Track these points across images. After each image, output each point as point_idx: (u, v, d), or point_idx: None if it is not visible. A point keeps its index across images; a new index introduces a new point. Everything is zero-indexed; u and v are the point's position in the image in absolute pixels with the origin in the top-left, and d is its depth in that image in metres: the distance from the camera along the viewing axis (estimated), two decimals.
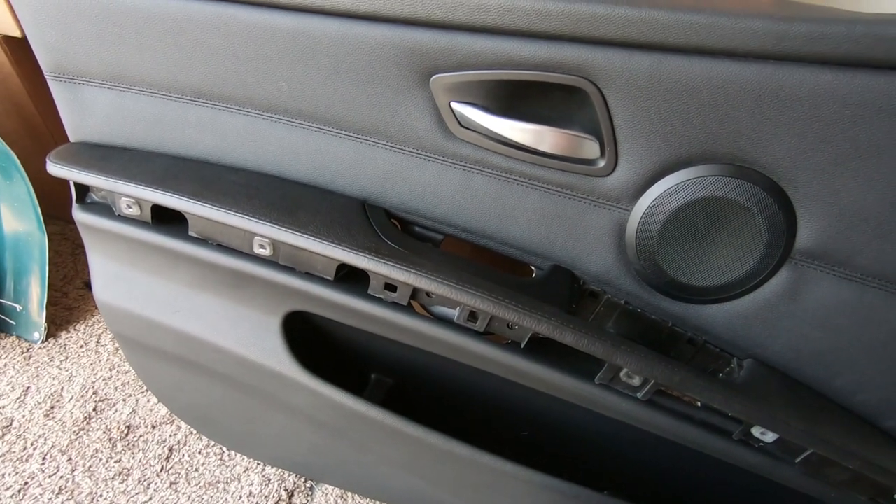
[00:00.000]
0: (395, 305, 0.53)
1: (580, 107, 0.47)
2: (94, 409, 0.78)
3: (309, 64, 0.51)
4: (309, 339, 0.63)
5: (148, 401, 0.80)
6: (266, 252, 0.54)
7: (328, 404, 0.61)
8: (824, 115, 0.41)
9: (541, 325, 0.49)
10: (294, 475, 0.73)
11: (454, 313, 0.53)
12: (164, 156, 0.60)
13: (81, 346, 0.87)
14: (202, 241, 0.57)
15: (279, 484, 0.72)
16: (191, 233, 0.57)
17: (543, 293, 0.52)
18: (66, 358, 0.85)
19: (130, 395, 0.81)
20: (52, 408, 0.78)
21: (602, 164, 0.48)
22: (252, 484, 0.71)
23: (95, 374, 0.83)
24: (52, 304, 0.87)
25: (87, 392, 0.81)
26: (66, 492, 0.69)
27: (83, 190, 0.60)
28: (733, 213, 0.47)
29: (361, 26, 0.48)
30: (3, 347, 0.85)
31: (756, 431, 0.51)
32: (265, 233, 0.52)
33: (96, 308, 0.94)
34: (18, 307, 0.85)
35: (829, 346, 0.50)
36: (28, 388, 0.80)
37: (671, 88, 0.43)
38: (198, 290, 0.61)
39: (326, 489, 0.72)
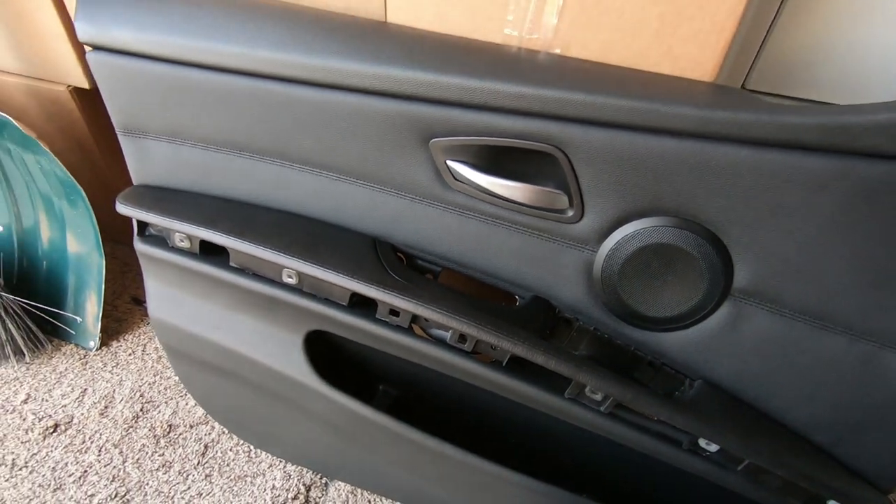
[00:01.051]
0: (398, 328, 0.64)
1: (552, 167, 0.57)
2: (140, 410, 0.90)
3: (330, 128, 0.62)
4: (326, 354, 0.73)
5: (186, 403, 0.92)
6: (292, 281, 0.66)
7: (342, 410, 0.71)
8: (744, 183, 0.50)
9: (517, 347, 0.59)
10: (311, 472, 0.83)
11: (447, 335, 0.63)
12: (211, 197, 0.72)
13: (130, 354, 1.00)
14: (240, 271, 0.68)
15: (298, 479, 0.82)
16: (231, 264, 0.68)
17: (523, 319, 0.62)
18: (117, 364, 0.98)
19: (172, 399, 0.93)
20: (106, 407, 0.90)
21: (571, 213, 0.58)
22: (275, 478, 0.82)
23: (142, 379, 0.95)
24: (104, 316, 1.00)
25: (135, 394, 0.93)
26: (119, 480, 0.81)
27: (143, 225, 0.72)
28: (680, 257, 0.56)
29: (374, 100, 0.59)
30: (64, 354, 0.98)
31: (702, 442, 0.60)
32: (292, 266, 0.63)
33: (142, 321, 1.07)
34: (78, 319, 0.98)
35: (765, 370, 0.59)
36: (85, 390, 0.93)
37: (622, 157, 0.53)
38: (235, 311, 0.72)
39: (339, 485, 0.82)
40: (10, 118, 0.82)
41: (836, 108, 0.48)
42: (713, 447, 0.60)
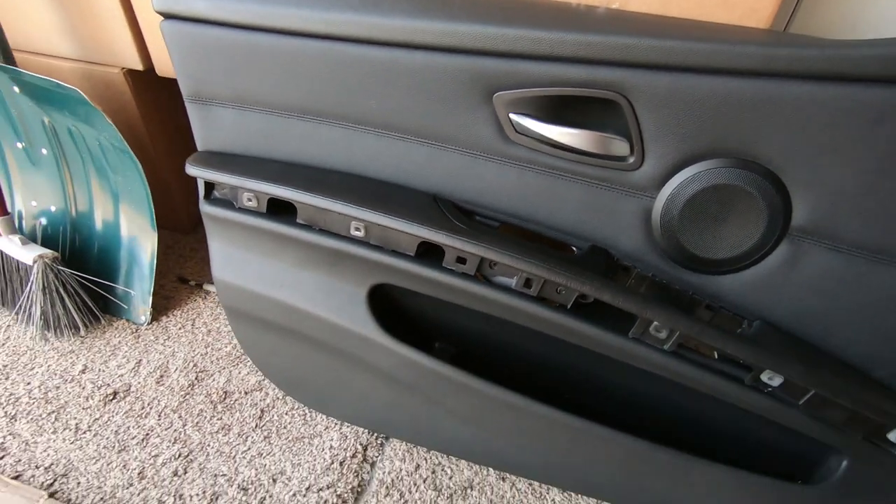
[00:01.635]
0: (464, 276, 0.66)
1: (614, 115, 0.59)
2: (195, 378, 0.93)
3: (396, 86, 0.65)
4: (387, 310, 0.76)
5: (239, 372, 0.94)
6: (360, 234, 0.68)
7: (404, 362, 0.74)
8: (805, 119, 0.53)
9: (584, 286, 0.61)
10: (367, 432, 0.85)
11: (512, 282, 0.65)
12: (275, 161, 0.75)
13: (180, 328, 1.02)
14: (307, 227, 0.71)
15: (355, 439, 0.84)
16: (299, 220, 0.71)
17: (583, 266, 0.64)
18: (169, 337, 1.00)
19: (224, 368, 0.95)
20: (162, 376, 0.93)
21: (632, 160, 0.61)
22: (332, 439, 0.84)
23: (194, 350, 0.98)
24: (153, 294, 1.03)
25: (188, 364, 0.95)
26: (180, 442, 0.83)
27: (210, 188, 0.75)
28: (739, 197, 0.58)
29: (441, 56, 0.62)
30: (117, 329, 1.01)
31: (764, 377, 0.62)
32: (361, 216, 0.66)
33: (189, 297, 1.09)
34: (133, 292, 1.01)
35: (824, 308, 0.61)
36: (140, 360, 0.95)
37: (686, 100, 0.55)
38: (300, 268, 0.75)
39: (395, 444, 0.84)
40: (79, 90, 0.85)
41: (888, 40, 0.50)
42: (776, 381, 0.62)
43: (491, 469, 0.81)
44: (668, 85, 0.56)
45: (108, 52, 0.97)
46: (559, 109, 0.62)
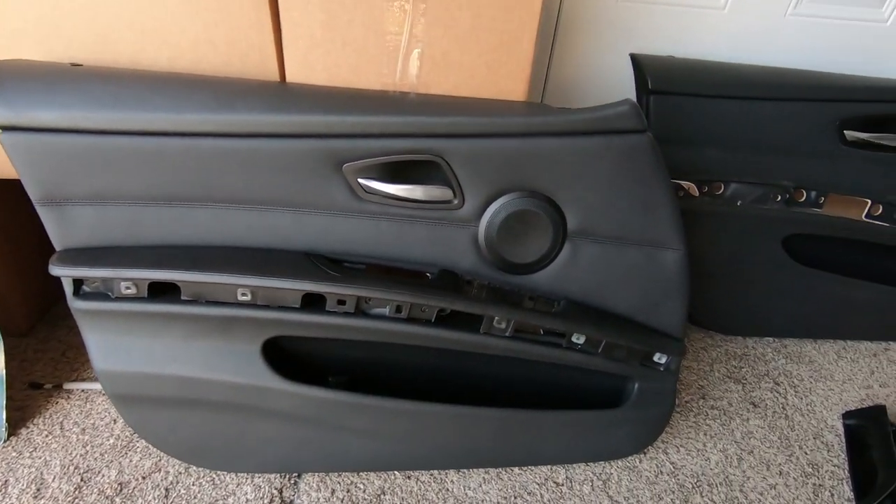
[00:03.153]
0: (346, 314, 0.80)
1: (437, 171, 0.80)
2: (81, 480, 0.89)
3: (257, 169, 0.77)
4: (280, 358, 0.85)
5: (130, 460, 0.93)
6: (247, 297, 0.78)
7: (305, 400, 0.84)
8: (559, 161, 0.79)
9: (442, 302, 0.80)
10: (280, 476, 0.92)
11: (385, 311, 0.81)
12: (145, 247, 0.80)
13: (47, 436, 0.96)
14: (192, 302, 0.78)
15: (269, 486, 0.90)
16: (183, 297, 0.77)
17: (439, 286, 0.83)
18: (35, 448, 0.93)
19: (112, 460, 0.92)
20: (38, 489, 0.87)
21: (456, 202, 0.82)
22: (246, 493, 0.89)
23: (70, 453, 0.93)
24: None
25: (68, 469, 0.90)
26: None
27: (79, 284, 0.77)
28: (532, 217, 0.83)
29: (294, 142, 0.76)
30: None
31: (574, 338, 0.87)
32: (247, 282, 0.76)
33: (47, 402, 1.02)
34: None
35: (599, 282, 0.88)
36: (6, 481, 0.88)
37: (483, 156, 0.78)
38: (190, 340, 0.81)
39: (308, 479, 0.92)
40: None
41: (597, 107, 0.79)
42: (582, 339, 0.87)
43: (397, 472, 0.95)
44: (469, 147, 0.78)
45: None
46: (396, 171, 0.80)
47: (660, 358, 0.92)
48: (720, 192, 1.22)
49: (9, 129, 0.71)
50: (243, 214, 0.81)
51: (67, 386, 1.06)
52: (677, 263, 0.88)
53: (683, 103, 1.17)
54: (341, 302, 0.80)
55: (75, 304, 0.78)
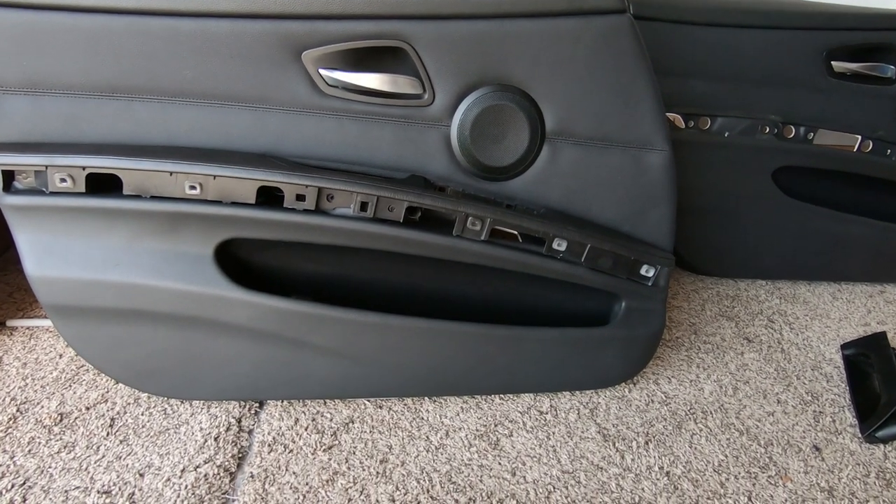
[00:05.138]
0: (305, 211, 0.73)
1: (404, 60, 0.74)
2: (17, 411, 0.81)
3: (208, 55, 0.71)
4: (235, 269, 0.78)
5: (74, 392, 0.85)
6: (196, 191, 0.71)
7: (263, 311, 0.77)
8: (534, 47, 0.74)
9: (410, 196, 0.73)
10: (239, 405, 0.84)
11: (349, 210, 0.74)
12: (84, 143, 0.73)
13: None
14: (136, 197, 0.71)
15: (226, 415, 0.82)
16: (126, 192, 0.70)
17: (408, 184, 0.77)
18: None
19: (54, 392, 0.84)
20: None
21: (426, 97, 0.76)
22: (201, 422, 0.81)
23: (7, 386, 0.85)
24: None
25: (3, 400, 0.82)
26: (11, 473, 0.72)
27: (10, 177, 0.70)
28: (507, 113, 0.77)
29: (248, 23, 0.70)
30: None
31: (555, 245, 0.81)
32: (196, 170, 0.69)
33: None
34: None
35: (580, 188, 0.83)
36: None
37: (452, 41, 0.73)
38: (135, 242, 0.74)
39: (270, 408, 0.85)
40: None
41: None
42: (563, 245, 0.81)
43: (367, 402, 0.87)
44: (437, 30, 0.72)
45: None
46: (360, 60, 0.74)
47: (647, 271, 0.86)
48: (707, 126, 1.18)
49: None
50: (193, 110, 0.74)
51: (11, 323, 0.97)
52: (663, 166, 0.82)
53: (666, 30, 1.12)
54: (300, 197, 0.73)
55: (5, 200, 0.70)
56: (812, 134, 1.21)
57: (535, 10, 0.73)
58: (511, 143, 0.79)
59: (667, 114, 1.15)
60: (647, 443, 0.85)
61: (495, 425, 0.86)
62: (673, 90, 1.13)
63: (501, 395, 0.91)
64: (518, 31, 0.73)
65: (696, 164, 1.18)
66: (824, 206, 1.23)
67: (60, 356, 0.92)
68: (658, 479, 0.79)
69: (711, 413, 0.91)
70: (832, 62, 1.17)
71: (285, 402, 0.86)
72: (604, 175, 0.83)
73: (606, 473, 0.79)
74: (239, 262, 0.80)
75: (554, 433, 0.85)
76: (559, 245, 0.81)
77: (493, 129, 0.78)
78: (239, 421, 0.82)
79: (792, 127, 1.19)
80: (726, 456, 0.84)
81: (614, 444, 0.84)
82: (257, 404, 0.85)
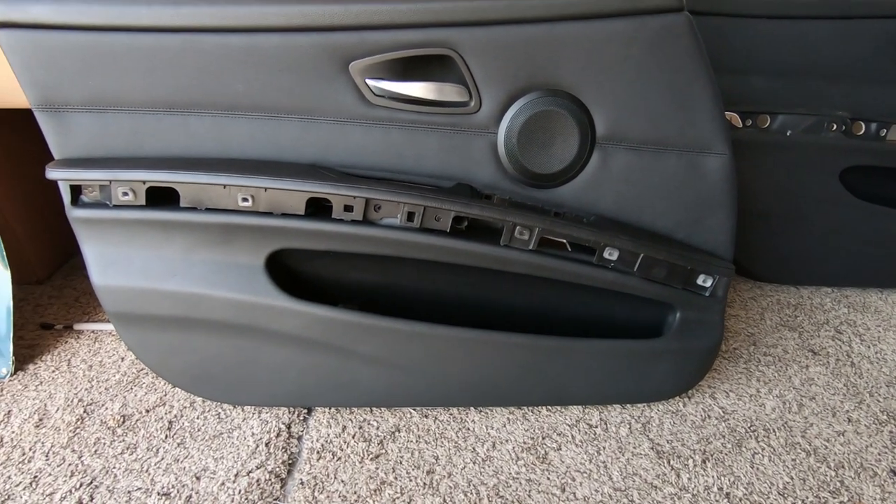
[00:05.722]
0: (353, 222, 0.74)
1: (451, 68, 0.73)
2: (84, 412, 0.85)
3: (259, 68, 0.72)
4: (286, 278, 0.80)
5: (135, 395, 0.88)
6: (248, 203, 0.73)
7: (312, 320, 0.78)
8: (584, 50, 0.71)
9: (456, 206, 0.72)
10: (288, 411, 0.86)
11: (396, 220, 0.74)
12: (143, 158, 0.76)
13: (54, 371, 0.93)
14: (192, 209, 0.73)
15: (276, 421, 0.84)
16: (183, 204, 0.73)
17: (454, 193, 0.76)
18: (41, 382, 0.90)
19: (117, 395, 0.88)
20: (41, 419, 0.84)
21: (472, 104, 0.75)
22: (252, 427, 0.83)
23: (75, 387, 0.90)
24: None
25: (72, 401, 0.87)
26: (79, 473, 0.76)
27: (77, 192, 0.74)
28: (556, 119, 0.75)
29: (295, 36, 0.71)
30: None
31: (606, 254, 0.78)
32: (248, 183, 0.71)
33: (57, 342, 1.00)
34: None
35: (633, 194, 0.80)
36: (9, 411, 0.85)
37: (500, 47, 0.71)
38: (190, 253, 0.76)
39: (318, 415, 0.86)
40: None
41: None
42: (615, 255, 0.78)
43: (413, 411, 0.87)
44: (484, 36, 0.71)
45: None
46: (407, 69, 0.74)
47: (704, 280, 0.82)
48: (767, 124, 1.11)
49: (4, 25, 0.69)
50: (245, 122, 0.76)
51: (78, 326, 1.03)
52: (723, 170, 0.78)
53: (722, 25, 1.07)
54: (348, 208, 0.73)
55: (73, 213, 0.74)
56: (885, 130, 1.12)
57: (586, 13, 0.70)
58: (560, 150, 0.77)
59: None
60: (704, 461, 0.81)
61: (543, 438, 0.84)
62: (729, 87, 1.07)
63: (549, 407, 0.89)
64: (568, 35, 0.71)
65: (754, 165, 1.11)
66: None
67: (122, 359, 0.96)
68: (717, 501, 0.75)
69: (774, 431, 0.86)
70: None
71: (333, 409, 0.87)
72: (658, 181, 0.79)
73: (661, 493, 0.76)
74: (289, 272, 0.81)
75: (604, 448, 0.83)
76: (610, 254, 0.78)
77: (541, 135, 0.76)
78: (289, 427, 0.84)
79: (862, 123, 1.11)
80: (792, 478, 0.79)
81: (669, 462, 0.81)
82: (306, 411, 0.87)
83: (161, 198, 0.74)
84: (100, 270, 0.76)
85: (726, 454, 0.82)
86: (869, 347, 1.05)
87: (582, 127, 0.76)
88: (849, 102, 1.10)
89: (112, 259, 0.76)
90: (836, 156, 1.11)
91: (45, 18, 0.69)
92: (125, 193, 0.73)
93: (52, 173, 0.72)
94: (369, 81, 0.74)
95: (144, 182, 0.72)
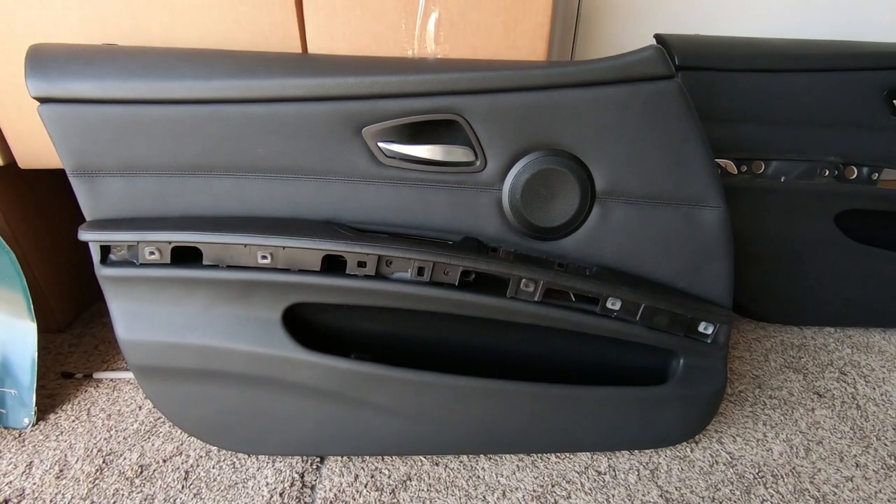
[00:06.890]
0: (366, 277, 0.77)
1: (458, 131, 0.78)
2: (103, 462, 0.87)
3: (278, 134, 0.78)
4: (301, 331, 0.83)
5: (153, 444, 0.91)
6: (267, 260, 0.77)
7: (326, 372, 0.81)
8: (581, 114, 0.76)
9: (465, 261, 0.76)
10: (302, 460, 0.87)
11: (407, 274, 0.78)
12: (168, 218, 0.80)
13: (73, 421, 0.95)
14: (214, 266, 0.77)
15: (290, 470, 0.86)
16: (205, 262, 0.77)
17: (462, 248, 0.80)
18: (62, 433, 0.93)
19: (135, 444, 0.91)
20: (61, 471, 0.85)
21: (478, 164, 0.79)
22: (267, 476, 0.85)
23: (95, 437, 0.92)
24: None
25: (91, 452, 0.89)
26: None
27: (106, 252, 0.78)
28: (557, 176, 0.79)
29: (313, 105, 0.76)
30: None
31: (609, 304, 0.81)
32: (267, 243, 0.75)
33: (77, 391, 1.02)
34: (13, 392, 0.93)
35: (633, 245, 0.83)
36: (31, 462, 0.87)
37: (503, 112, 0.76)
38: (211, 308, 0.80)
39: (330, 464, 0.87)
40: None
41: (620, 54, 0.76)
42: (617, 304, 0.81)
43: (424, 459, 0.88)
44: (488, 103, 0.76)
45: None
46: (416, 133, 0.79)
47: (706, 328, 0.84)
48: (761, 170, 1.16)
49: (46, 100, 0.75)
50: (266, 183, 0.81)
51: (97, 375, 1.06)
52: (718, 222, 0.82)
53: (714, 79, 1.13)
54: (361, 264, 0.77)
55: (102, 272, 0.78)
56: (876, 174, 1.16)
57: (584, 81, 0.75)
58: (561, 204, 0.81)
59: (718, 160, 1.15)
60: None
61: (552, 486, 0.85)
62: (723, 135, 1.13)
63: (558, 454, 0.90)
64: (567, 101, 0.76)
65: (751, 210, 1.15)
66: (894, 249, 1.17)
67: (140, 408, 0.99)
68: None
69: (782, 477, 0.87)
70: (894, 101, 1.14)
71: (345, 458, 0.88)
72: (656, 232, 0.83)
73: None
74: (303, 324, 0.84)
75: (614, 496, 0.83)
76: (613, 304, 0.81)
77: (544, 191, 0.81)
78: (302, 476, 0.85)
79: (854, 168, 1.15)
80: None
81: None
82: (318, 459, 0.88)
83: (185, 256, 0.78)
84: (125, 325, 0.80)
85: (735, 501, 0.83)
86: (874, 389, 1.06)
87: (582, 183, 0.80)
88: (840, 148, 1.14)
89: (137, 314, 0.80)
90: (829, 200, 1.15)
91: (85, 94, 0.74)
92: (151, 253, 0.77)
93: (84, 235, 0.77)
94: (381, 144, 0.79)
95: (170, 242, 0.76)
